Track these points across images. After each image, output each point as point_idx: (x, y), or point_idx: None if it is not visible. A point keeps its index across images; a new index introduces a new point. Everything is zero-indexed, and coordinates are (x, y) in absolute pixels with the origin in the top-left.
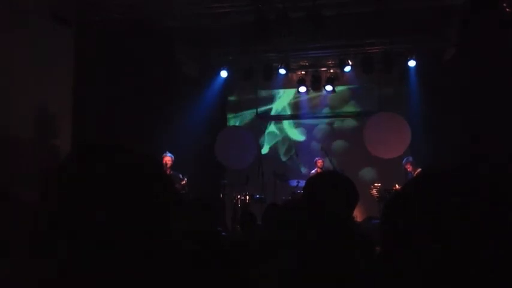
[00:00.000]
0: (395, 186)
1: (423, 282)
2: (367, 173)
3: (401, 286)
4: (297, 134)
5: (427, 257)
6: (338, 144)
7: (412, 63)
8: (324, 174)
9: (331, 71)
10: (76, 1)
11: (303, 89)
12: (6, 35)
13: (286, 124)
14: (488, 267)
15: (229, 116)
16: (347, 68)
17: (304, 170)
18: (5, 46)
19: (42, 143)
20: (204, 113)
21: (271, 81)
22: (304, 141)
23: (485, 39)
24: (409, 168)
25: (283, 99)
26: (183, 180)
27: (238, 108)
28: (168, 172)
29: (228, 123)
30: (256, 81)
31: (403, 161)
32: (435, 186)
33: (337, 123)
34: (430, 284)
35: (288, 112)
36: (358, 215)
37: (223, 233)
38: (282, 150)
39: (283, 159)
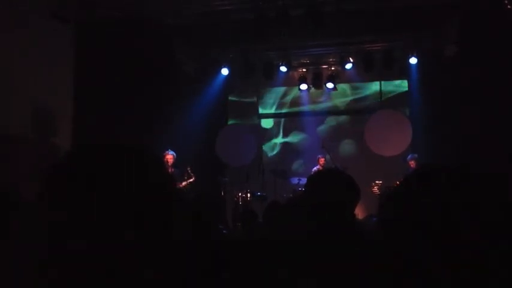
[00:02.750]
0: (397, 184)
1: (420, 277)
2: (368, 169)
3: (399, 282)
4: (298, 132)
5: (423, 252)
6: (339, 141)
7: (413, 60)
8: (325, 172)
9: (332, 68)
10: (76, 0)
11: (304, 86)
12: (6, 35)
13: (286, 122)
14: (484, 262)
15: (230, 114)
16: (348, 65)
17: (302, 168)
18: (5, 46)
19: (42, 142)
20: (204, 111)
21: (272, 79)
22: (306, 139)
23: (487, 36)
24: (413, 165)
25: (284, 97)
26: (190, 177)
27: (238, 106)
28: (170, 170)
29: (228, 122)
30: (257, 79)
31: (408, 157)
32: (430, 183)
33: (338, 121)
34: (427, 279)
35: (289, 110)
36: (359, 212)
37: (224, 231)
38: (282, 148)
39: (284, 157)
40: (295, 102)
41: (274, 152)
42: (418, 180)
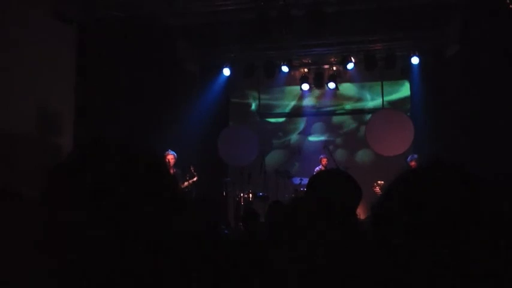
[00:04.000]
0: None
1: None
2: (370, 170)
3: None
4: (299, 132)
5: (416, 250)
6: (341, 141)
7: (415, 60)
8: (327, 172)
9: (334, 68)
10: (77, 0)
11: (305, 86)
12: (8, 34)
13: (288, 121)
14: (478, 261)
15: (231, 114)
16: (350, 65)
17: (304, 168)
18: (7, 45)
19: (44, 142)
20: (206, 111)
21: (274, 79)
22: (307, 138)
23: (488, 35)
24: (414, 166)
25: (285, 97)
26: (193, 177)
27: (240, 106)
28: (171, 170)
29: (230, 122)
30: (258, 79)
31: (408, 159)
32: (415, 184)
33: (340, 121)
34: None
35: (291, 110)
36: (361, 212)
37: (226, 231)
38: (284, 148)
39: (286, 157)
40: (297, 101)
41: (276, 152)
42: (411, 178)
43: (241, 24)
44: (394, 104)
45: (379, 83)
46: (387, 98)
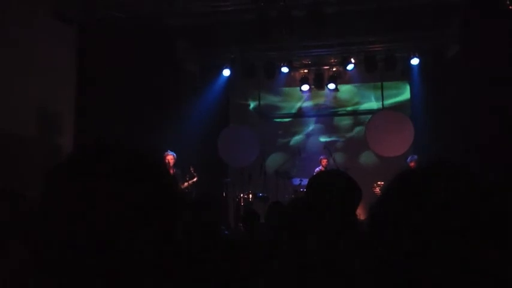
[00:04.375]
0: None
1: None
2: (370, 170)
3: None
4: (300, 132)
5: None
6: (341, 142)
7: (415, 61)
8: (327, 173)
9: (334, 69)
10: (78, 1)
11: (305, 87)
12: (8, 34)
13: (288, 122)
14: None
15: (232, 114)
16: (350, 66)
17: (304, 169)
18: (8, 46)
19: (45, 143)
20: (206, 111)
21: (274, 80)
22: (307, 139)
23: (488, 36)
24: (413, 166)
25: (285, 98)
26: (193, 178)
27: (240, 106)
28: (171, 171)
29: (230, 122)
30: (258, 80)
31: (408, 159)
32: (413, 183)
33: (340, 122)
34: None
35: (291, 110)
36: (361, 213)
37: (225, 232)
38: (284, 149)
39: (286, 157)
40: (297, 102)
41: (276, 153)
42: (410, 178)
43: (241, 24)
44: (394, 105)
45: (379, 84)
46: (387, 99)
